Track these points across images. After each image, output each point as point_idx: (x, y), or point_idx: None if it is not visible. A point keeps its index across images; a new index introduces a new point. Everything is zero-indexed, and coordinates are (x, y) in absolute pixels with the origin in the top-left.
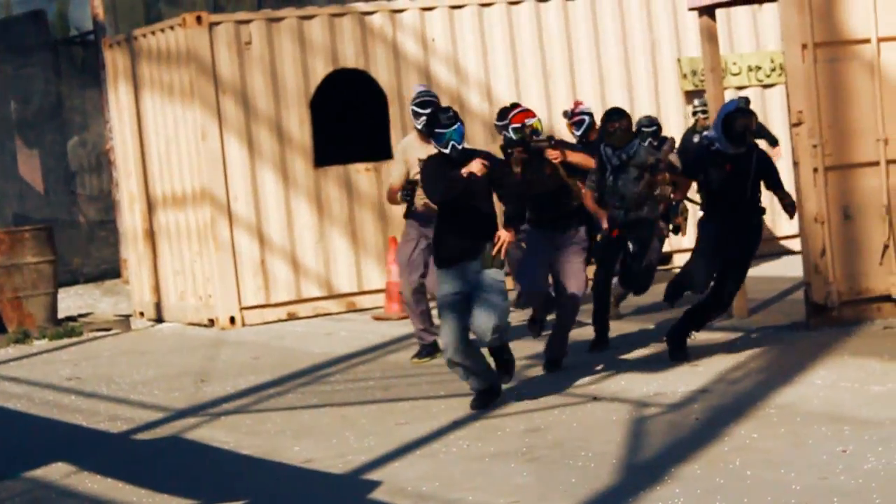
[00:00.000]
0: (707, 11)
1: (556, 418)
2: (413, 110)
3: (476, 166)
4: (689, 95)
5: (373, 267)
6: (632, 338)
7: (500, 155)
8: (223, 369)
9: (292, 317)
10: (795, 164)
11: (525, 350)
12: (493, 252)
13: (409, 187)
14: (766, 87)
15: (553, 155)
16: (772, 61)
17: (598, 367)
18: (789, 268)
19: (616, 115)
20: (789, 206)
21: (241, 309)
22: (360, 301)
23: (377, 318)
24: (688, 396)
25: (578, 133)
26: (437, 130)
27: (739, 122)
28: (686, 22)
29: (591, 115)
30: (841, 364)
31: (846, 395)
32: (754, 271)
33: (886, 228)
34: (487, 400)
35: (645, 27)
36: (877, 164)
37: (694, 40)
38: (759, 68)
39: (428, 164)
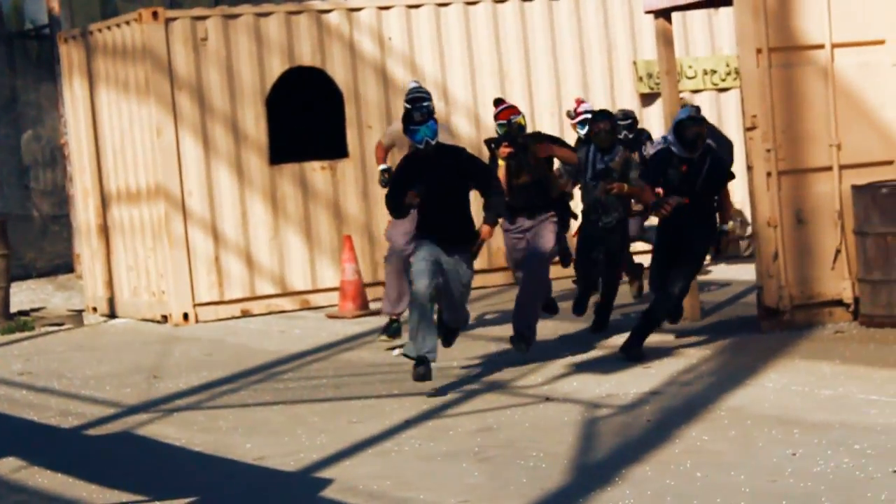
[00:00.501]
0: (663, 14)
1: (509, 418)
2: (405, 107)
3: (409, 198)
4: (645, 98)
5: (327, 265)
6: (585, 338)
7: (478, 150)
8: (176, 365)
9: (246, 314)
10: (749, 168)
11: (477, 350)
12: (474, 248)
13: (388, 176)
14: (721, 90)
15: (542, 150)
16: (727, 65)
17: (551, 368)
18: (742, 271)
19: (601, 117)
20: (721, 234)
21: (195, 305)
22: (314, 299)
23: (331, 317)
24: (639, 398)
25: (583, 132)
26: (411, 127)
27: (690, 129)
28: (642, 24)
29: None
30: (792, 368)
31: (797, 398)
32: (706, 275)
33: (839, 233)
34: (425, 373)
35: (601, 29)
36: (830, 169)
37: (650, 43)
38: (714, 72)
39: (394, 173)
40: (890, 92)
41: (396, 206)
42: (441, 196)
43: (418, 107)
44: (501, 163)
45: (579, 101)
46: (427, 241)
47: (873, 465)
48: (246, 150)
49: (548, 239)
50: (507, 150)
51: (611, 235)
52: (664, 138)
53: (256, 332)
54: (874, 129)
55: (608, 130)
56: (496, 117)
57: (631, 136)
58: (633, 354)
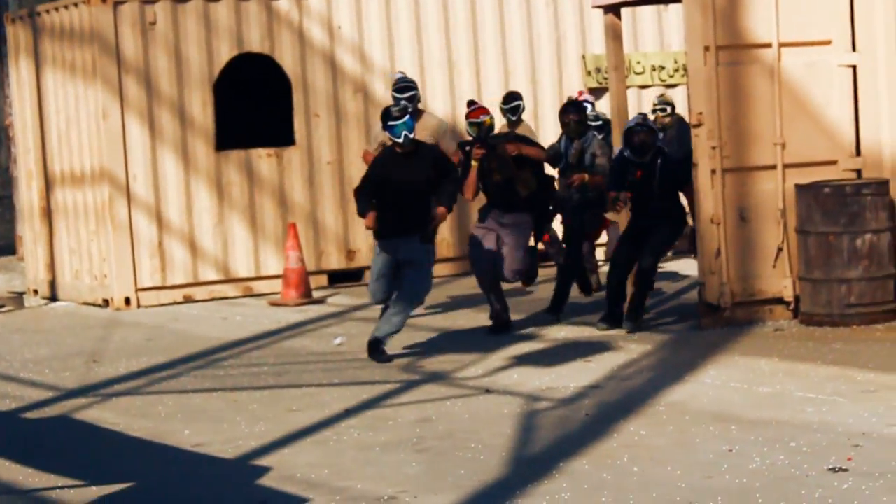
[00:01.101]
0: (612, 10)
1: (448, 409)
2: (393, 96)
3: (368, 222)
4: (593, 92)
5: (271, 252)
6: (526, 330)
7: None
8: (116, 350)
9: (188, 300)
10: (694, 164)
11: (418, 340)
12: (431, 227)
13: None
14: (669, 86)
15: (511, 149)
16: (675, 61)
17: (492, 360)
18: (685, 267)
19: (572, 109)
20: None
21: (137, 290)
22: (257, 286)
23: (273, 304)
24: (579, 392)
25: None
26: (389, 123)
27: (637, 137)
28: (591, 19)
29: (593, 105)
30: (731, 364)
31: (735, 395)
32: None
33: (781, 232)
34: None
35: (551, 22)
36: (774, 167)
37: (599, 37)
38: (662, 68)
39: (369, 168)
40: (835, 92)
41: (362, 206)
42: (407, 190)
43: (396, 101)
44: (475, 164)
45: (581, 93)
46: (385, 246)
47: (808, 463)
48: (192, 135)
49: (513, 259)
50: (480, 151)
51: (575, 215)
52: (620, 150)
53: (198, 318)
54: (819, 128)
55: (577, 122)
56: (467, 117)
57: (601, 136)
58: (631, 327)
